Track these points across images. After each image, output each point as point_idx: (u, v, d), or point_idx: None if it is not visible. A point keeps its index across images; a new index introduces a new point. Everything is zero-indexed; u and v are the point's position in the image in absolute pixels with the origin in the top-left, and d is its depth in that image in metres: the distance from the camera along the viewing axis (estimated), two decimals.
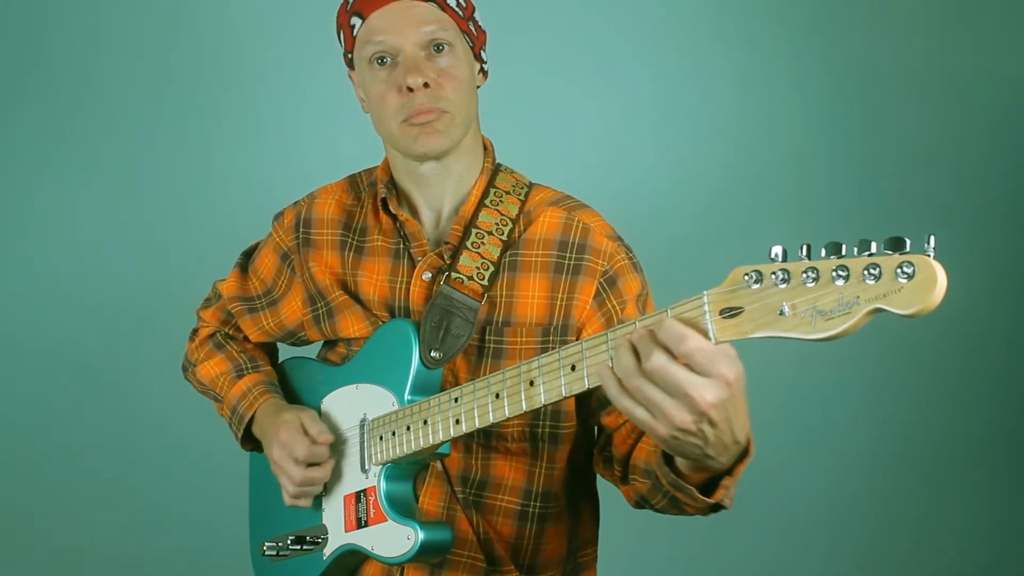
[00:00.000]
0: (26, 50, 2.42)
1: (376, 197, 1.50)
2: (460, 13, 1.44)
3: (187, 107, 2.52)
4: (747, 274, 1.01)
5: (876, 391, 2.78)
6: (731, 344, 1.03)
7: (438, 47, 1.39)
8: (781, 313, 0.98)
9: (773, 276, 0.99)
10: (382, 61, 1.39)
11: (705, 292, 1.03)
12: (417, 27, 1.38)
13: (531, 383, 1.19)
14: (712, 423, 1.02)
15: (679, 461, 1.14)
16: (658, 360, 1.00)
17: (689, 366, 1.00)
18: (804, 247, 0.99)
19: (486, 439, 1.42)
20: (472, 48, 1.46)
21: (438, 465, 1.42)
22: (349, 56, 1.47)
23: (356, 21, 1.41)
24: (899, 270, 0.92)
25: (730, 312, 1.02)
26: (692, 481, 1.16)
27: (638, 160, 2.72)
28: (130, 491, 2.50)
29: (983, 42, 2.79)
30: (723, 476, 1.13)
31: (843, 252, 0.97)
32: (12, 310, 2.47)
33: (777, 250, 1.01)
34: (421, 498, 1.41)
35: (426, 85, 1.37)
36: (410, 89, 1.37)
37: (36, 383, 2.49)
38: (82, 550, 2.47)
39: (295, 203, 1.59)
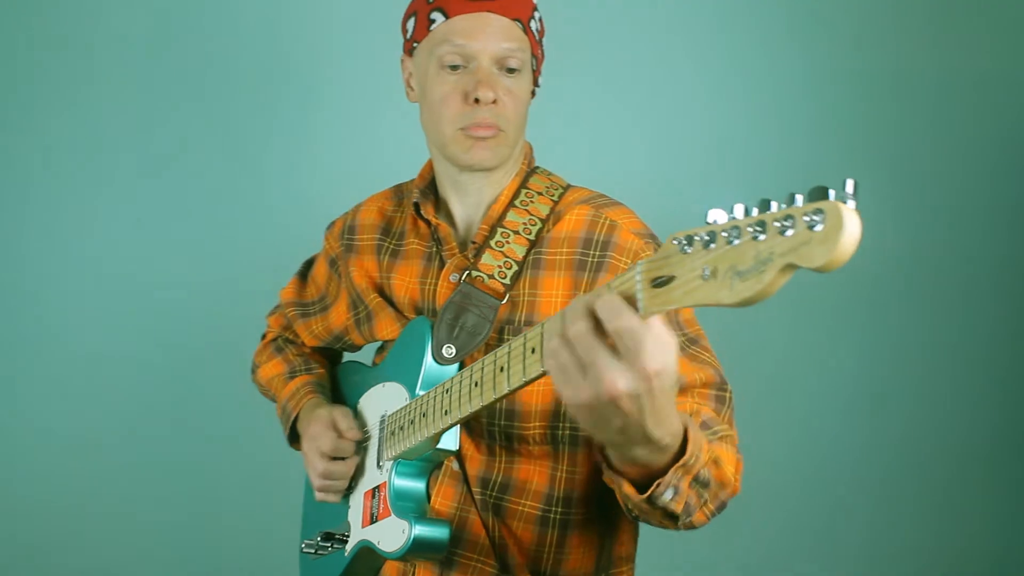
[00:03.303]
0: (99, 58, 2.52)
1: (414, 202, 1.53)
2: (536, 36, 1.46)
3: (273, 113, 2.58)
4: (677, 239, 0.93)
5: (876, 390, 2.67)
6: (671, 336, 0.97)
7: (510, 68, 1.40)
8: (703, 277, 0.90)
9: (698, 239, 0.91)
10: (455, 67, 1.41)
11: (639, 262, 0.96)
12: (497, 41, 1.39)
13: (501, 369, 1.15)
14: (620, 410, 0.95)
15: (613, 457, 1.09)
16: (578, 328, 0.95)
17: (614, 346, 0.94)
18: (739, 207, 0.90)
19: (508, 441, 1.39)
20: (534, 71, 1.47)
21: (454, 465, 1.40)
22: (414, 45, 1.47)
23: (438, 17, 1.42)
24: (807, 218, 0.82)
25: (662, 281, 0.95)
26: (626, 473, 1.09)
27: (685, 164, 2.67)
28: (207, 494, 2.56)
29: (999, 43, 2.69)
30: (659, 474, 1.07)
31: (771, 209, 0.88)
32: (80, 318, 2.53)
33: (715, 214, 0.93)
34: (434, 498, 1.39)
35: (494, 101, 1.39)
36: (477, 100, 1.39)
37: (107, 391, 2.54)
38: (160, 549, 2.53)
39: (344, 213, 1.65)
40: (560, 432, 1.38)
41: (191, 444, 2.54)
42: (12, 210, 2.52)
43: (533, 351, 1.10)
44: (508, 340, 1.18)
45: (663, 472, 1.08)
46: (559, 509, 1.39)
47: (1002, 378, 2.74)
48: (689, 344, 1.37)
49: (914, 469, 2.70)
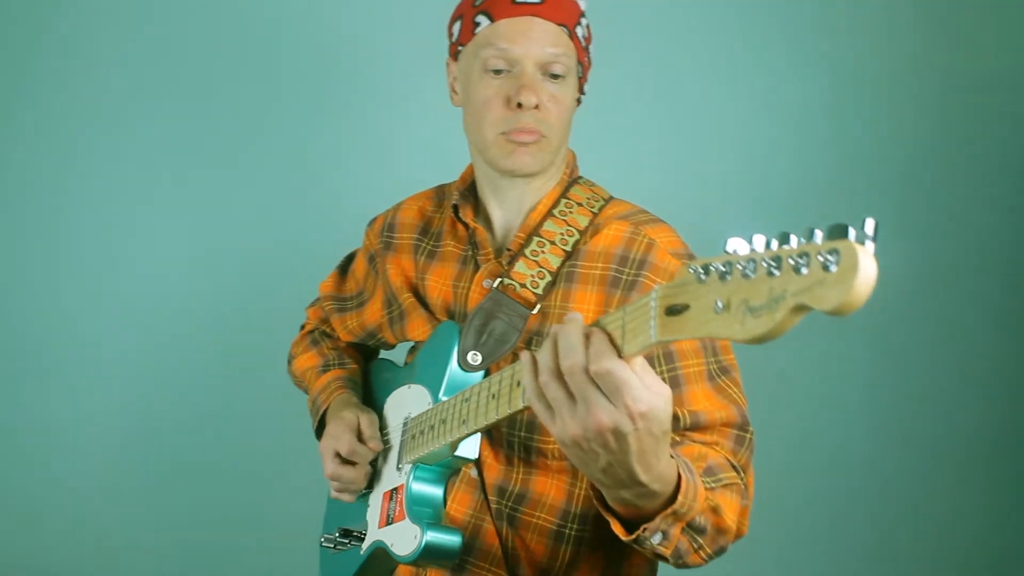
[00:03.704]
0: (139, 56, 2.52)
1: (453, 203, 1.52)
2: (583, 43, 1.44)
3: (312, 113, 2.57)
4: (693, 267, 0.91)
5: (875, 388, 2.62)
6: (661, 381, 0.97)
7: (554, 74, 1.38)
8: (715, 310, 0.87)
9: (714, 269, 0.88)
10: (498, 71, 1.39)
11: (655, 288, 0.94)
12: (542, 46, 1.38)
13: (518, 383, 1.14)
14: (606, 447, 0.94)
15: (603, 492, 1.07)
16: (573, 363, 0.94)
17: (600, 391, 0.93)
18: (759, 238, 0.87)
19: (526, 453, 1.37)
20: (580, 78, 1.45)
21: (472, 472, 1.39)
22: (459, 48, 1.46)
23: (483, 20, 1.41)
24: (822, 258, 0.78)
25: (677, 309, 0.92)
26: (617, 512, 1.08)
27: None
28: (239, 486, 2.56)
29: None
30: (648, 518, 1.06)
31: (790, 244, 0.84)
32: (121, 315, 2.53)
33: (734, 243, 0.90)
34: (449, 503, 1.39)
35: (537, 107, 1.37)
36: (519, 105, 1.37)
37: (146, 386, 2.55)
38: (176, 544, 2.54)
39: (385, 211, 1.64)
40: None
41: (213, 441, 2.55)
42: (41, 209, 2.53)
43: None
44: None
45: (652, 517, 1.06)
46: (575, 526, 1.37)
47: (1003, 379, 2.67)
48: (720, 374, 1.34)
49: (915, 472, 2.66)
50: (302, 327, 1.80)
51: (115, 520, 2.51)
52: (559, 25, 1.39)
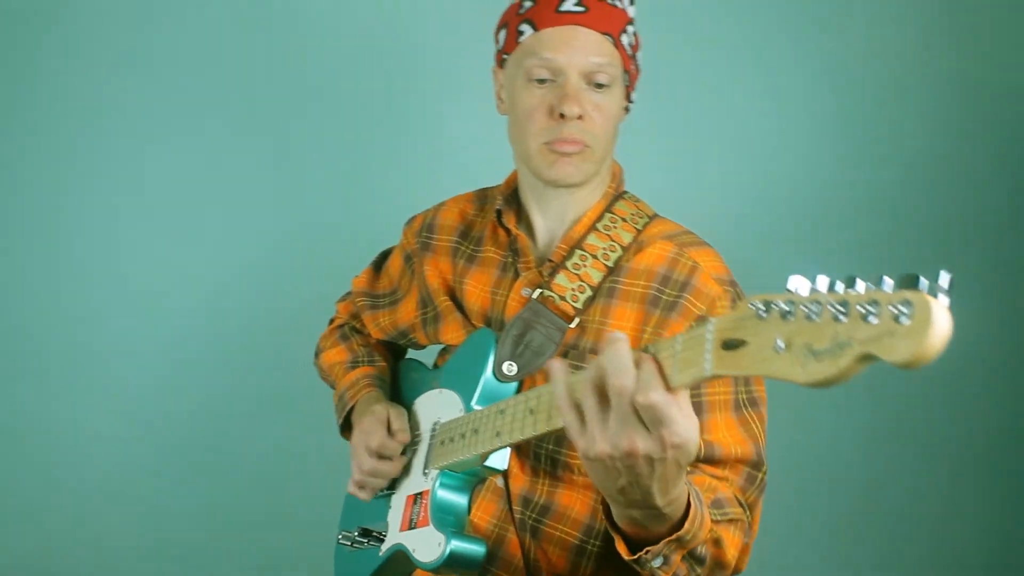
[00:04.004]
0: (178, 54, 2.49)
1: (496, 209, 1.51)
2: (629, 51, 1.42)
3: (344, 110, 2.54)
4: (753, 303, 0.90)
5: (873, 388, 2.47)
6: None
7: (599, 84, 1.37)
8: (776, 349, 0.86)
9: (776, 307, 0.87)
10: (542, 80, 1.38)
11: (712, 319, 0.93)
12: (586, 55, 1.36)
13: None
14: (630, 470, 0.95)
15: (612, 507, 1.08)
16: (623, 384, 0.93)
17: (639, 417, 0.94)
18: (823, 280, 0.86)
19: (552, 467, 1.36)
20: (627, 86, 1.43)
21: (498, 481, 1.38)
22: (504, 57, 1.45)
23: (526, 29, 1.40)
24: (894, 309, 0.77)
25: (734, 344, 0.91)
26: (623, 529, 1.09)
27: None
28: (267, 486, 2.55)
29: None
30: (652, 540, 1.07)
31: (857, 288, 0.83)
32: (157, 312, 2.52)
33: (795, 281, 0.89)
34: (474, 512, 1.38)
35: (580, 117, 1.36)
36: (562, 116, 1.36)
37: (153, 387, 2.53)
38: (209, 540, 2.53)
39: (426, 210, 1.63)
40: None
41: (222, 441, 2.53)
42: (69, 210, 2.50)
43: None
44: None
45: (656, 540, 1.07)
46: (597, 542, 1.36)
47: (1002, 379, 2.67)
48: (748, 405, 1.34)
49: (912, 471, 2.65)
50: (331, 321, 1.79)
51: (120, 521, 2.51)
52: (603, 34, 1.37)
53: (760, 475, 1.33)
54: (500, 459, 1.31)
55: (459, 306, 1.50)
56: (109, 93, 2.48)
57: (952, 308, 0.75)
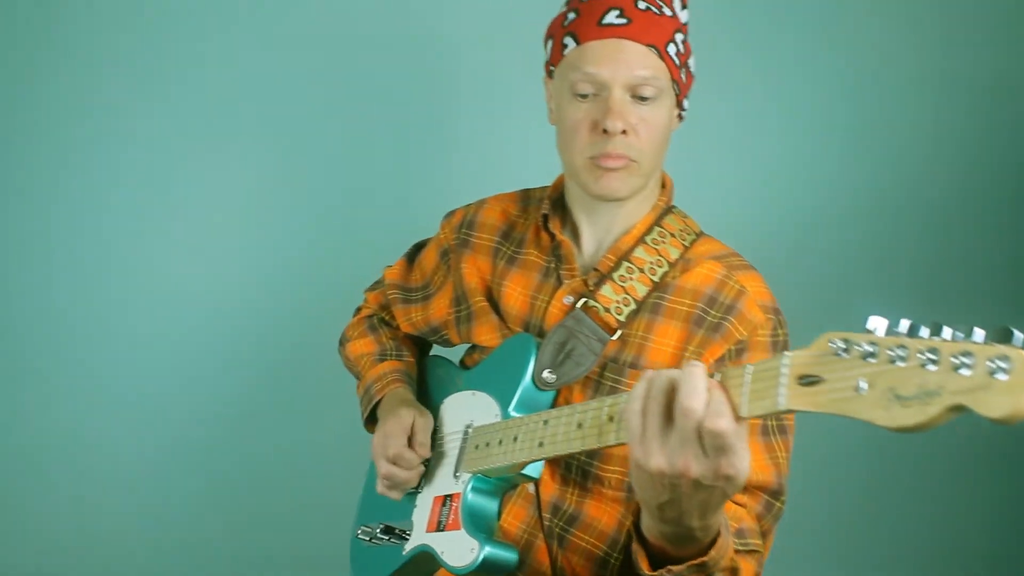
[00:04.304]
0: (208, 51, 2.44)
1: (540, 213, 1.49)
2: (676, 61, 1.38)
3: (388, 103, 2.49)
4: (833, 341, 0.90)
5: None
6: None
7: (644, 96, 1.34)
8: (857, 390, 0.86)
9: (858, 347, 0.87)
10: (585, 95, 1.36)
11: (787, 353, 0.93)
12: (630, 69, 1.33)
13: (611, 418, 1.13)
14: (675, 488, 0.96)
15: (644, 518, 1.08)
16: (693, 404, 0.93)
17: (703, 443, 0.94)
18: (905, 323, 0.86)
19: (583, 478, 1.36)
20: (677, 95, 1.40)
21: (529, 488, 1.38)
22: (551, 68, 1.44)
23: (570, 41, 1.38)
24: (991, 363, 0.77)
25: (809, 380, 0.91)
26: (649, 542, 1.09)
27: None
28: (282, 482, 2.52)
29: None
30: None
31: (945, 336, 0.83)
32: (161, 314, 2.48)
33: (875, 321, 0.89)
34: (504, 517, 1.38)
35: (624, 132, 1.34)
36: (606, 131, 1.34)
37: (209, 377, 2.50)
38: (216, 540, 2.50)
39: (466, 205, 1.61)
40: None
41: (234, 443, 2.50)
42: (73, 211, 2.45)
43: None
44: (623, 391, 1.15)
45: (679, 560, 1.07)
46: (622, 556, 1.36)
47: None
48: (776, 432, 1.34)
49: (913, 470, 2.64)
50: (358, 310, 1.77)
51: (120, 522, 2.48)
52: (648, 46, 1.34)
53: (778, 504, 1.33)
54: (535, 467, 1.31)
55: (495, 308, 1.48)
56: (115, 93, 2.44)
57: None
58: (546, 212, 1.47)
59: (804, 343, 0.95)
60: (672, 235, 1.42)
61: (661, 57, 1.35)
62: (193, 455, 2.47)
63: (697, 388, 0.94)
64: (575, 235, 1.46)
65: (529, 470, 1.31)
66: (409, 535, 1.45)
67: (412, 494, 1.48)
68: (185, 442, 2.47)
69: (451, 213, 1.63)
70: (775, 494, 1.32)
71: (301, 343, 2.41)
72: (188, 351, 2.47)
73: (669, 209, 1.46)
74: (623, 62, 1.33)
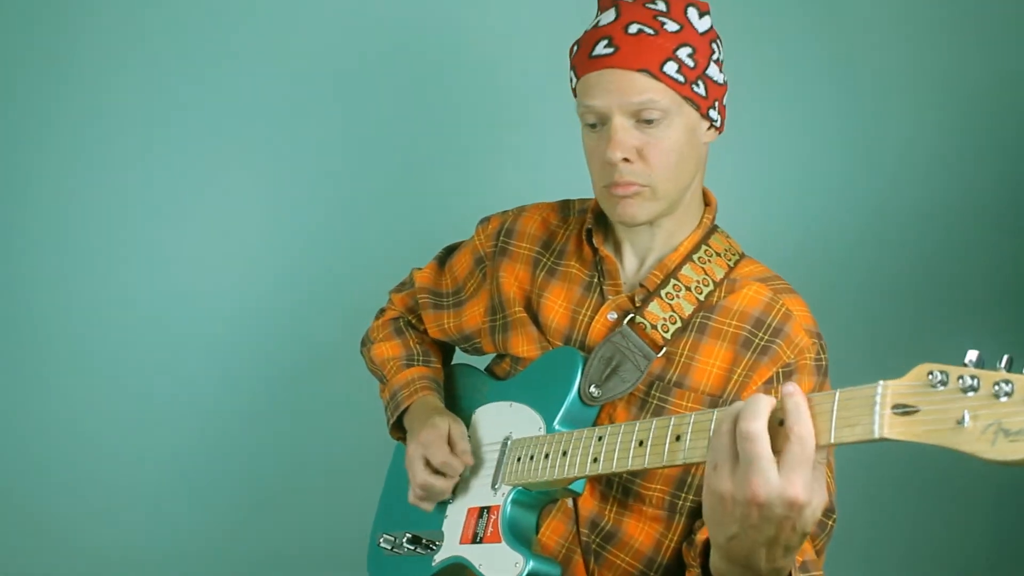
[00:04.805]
0: (250, 52, 2.41)
1: (583, 225, 1.49)
2: (680, 78, 1.32)
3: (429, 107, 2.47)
4: (932, 372, 0.91)
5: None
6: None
7: (648, 120, 1.32)
8: (960, 423, 0.87)
9: (960, 380, 0.88)
10: (593, 125, 1.36)
11: (882, 382, 0.94)
12: (624, 96, 1.31)
13: (677, 438, 1.12)
14: (747, 519, 0.93)
15: (713, 557, 1.05)
16: (755, 427, 0.92)
17: (778, 459, 0.92)
18: (1005, 358, 0.88)
19: (624, 495, 1.36)
20: (699, 109, 1.36)
21: (568, 503, 1.37)
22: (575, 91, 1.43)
23: (572, 76, 1.39)
24: None
25: (904, 409, 0.92)
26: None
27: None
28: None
29: None
30: None
31: None
32: (166, 316, 2.45)
33: (972, 355, 0.90)
34: (543, 531, 1.37)
35: (627, 159, 1.32)
36: (609, 161, 1.33)
37: (236, 368, 2.47)
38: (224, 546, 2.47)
39: (503, 212, 1.60)
40: (680, 502, 1.35)
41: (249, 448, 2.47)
42: (76, 211, 2.41)
43: None
44: (668, 411, 1.14)
45: None
46: None
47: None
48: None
49: (910, 469, 2.61)
50: (382, 311, 1.74)
51: (120, 523, 2.43)
52: (638, 71, 1.31)
53: (831, 523, 1.34)
54: (579, 482, 1.30)
55: (534, 319, 1.47)
56: (122, 92, 2.39)
57: None
58: (590, 226, 1.46)
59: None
60: (718, 254, 1.43)
61: (656, 78, 1.32)
62: (201, 456, 2.43)
63: (760, 409, 0.94)
64: (617, 250, 1.46)
65: (573, 485, 1.30)
66: (438, 546, 1.43)
67: (442, 504, 1.46)
68: (193, 443, 2.44)
69: (487, 219, 1.61)
70: (827, 512, 1.33)
71: (312, 344, 2.39)
72: (200, 352, 2.44)
73: (714, 228, 1.47)
74: (615, 91, 1.32)
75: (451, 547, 1.40)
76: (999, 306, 2.58)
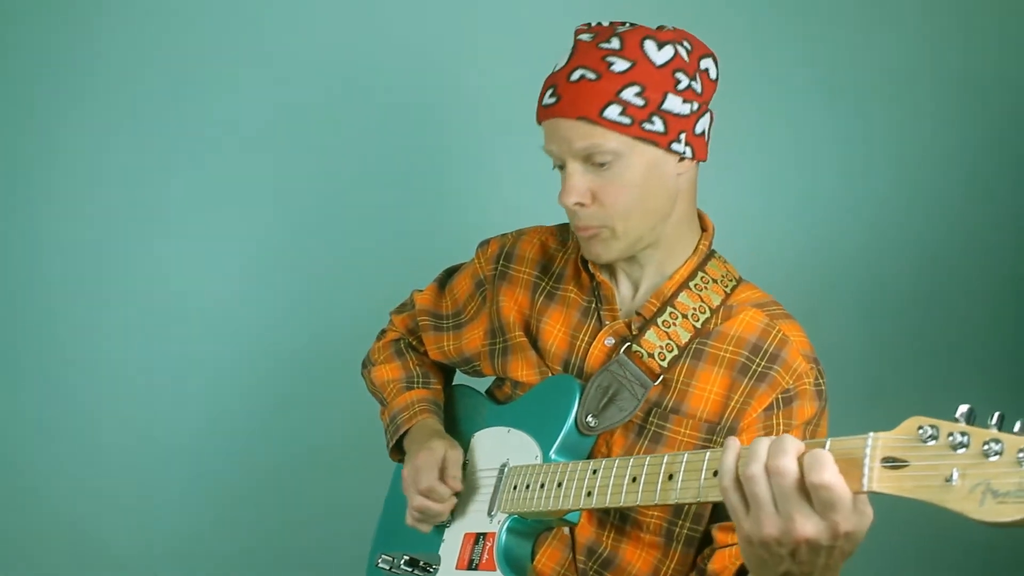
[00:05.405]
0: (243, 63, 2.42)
1: (580, 250, 1.48)
2: (626, 121, 1.28)
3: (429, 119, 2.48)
4: (922, 427, 0.90)
5: (875, 388, 2.52)
6: (870, 500, 0.96)
7: (601, 163, 1.30)
8: (948, 480, 0.87)
9: (950, 437, 0.88)
10: (559, 167, 1.36)
11: (871, 434, 0.94)
12: (570, 143, 1.30)
13: (670, 476, 1.12)
14: (794, 556, 0.94)
15: None
16: (786, 464, 0.94)
17: (808, 496, 0.93)
18: (995, 415, 0.88)
19: (622, 521, 1.36)
20: (657, 145, 1.31)
21: (564, 530, 1.37)
22: None
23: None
24: None
25: (893, 463, 0.92)
26: None
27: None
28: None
29: None
30: None
31: None
32: (165, 319, 2.47)
33: (963, 409, 0.90)
34: (539, 557, 1.37)
35: (580, 204, 1.32)
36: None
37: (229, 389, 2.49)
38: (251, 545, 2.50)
39: (503, 235, 1.59)
40: (678, 530, 1.35)
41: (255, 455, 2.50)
42: (76, 213, 2.43)
43: (715, 474, 1.07)
44: (666, 436, 1.15)
45: None
46: None
47: (1001, 378, 2.64)
48: None
49: None
50: (383, 332, 1.74)
51: (120, 524, 2.47)
52: (577, 119, 1.30)
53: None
54: (576, 512, 1.31)
55: (534, 343, 1.47)
56: (126, 96, 2.41)
57: None
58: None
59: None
60: (714, 281, 1.42)
61: (597, 124, 1.29)
62: (191, 460, 2.46)
63: (786, 448, 0.95)
64: (613, 276, 1.45)
65: (569, 515, 1.30)
66: (434, 569, 1.44)
67: (439, 527, 1.47)
68: (182, 447, 2.46)
69: (487, 242, 1.61)
70: None
71: (304, 348, 2.39)
72: (189, 358, 2.45)
73: (711, 254, 1.46)
74: (562, 139, 1.31)
75: (447, 571, 1.41)
76: (1000, 325, 2.58)
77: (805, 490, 0.93)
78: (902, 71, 2.53)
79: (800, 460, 0.95)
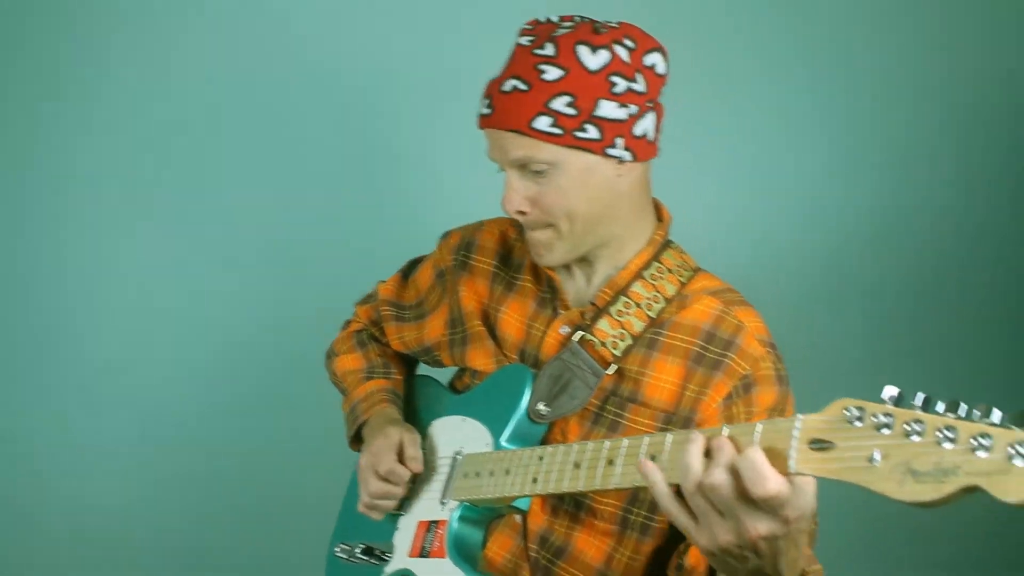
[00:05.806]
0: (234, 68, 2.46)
1: None
2: (557, 131, 1.28)
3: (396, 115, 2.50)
4: (848, 409, 0.90)
5: (873, 387, 2.50)
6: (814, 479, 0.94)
7: (536, 171, 1.31)
8: (871, 460, 0.87)
9: (874, 418, 0.88)
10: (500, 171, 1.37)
11: (800, 416, 0.93)
12: (505, 153, 1.32)
13: (610, 462, 1.12)
14: (757, 552, 0.95)
15: None
16: (720, 478, 0.94)
17: (756, 504, 0.93)
18: (920, 396, 0.87)
19: (576, 508, 1.36)
20: (593, 152, 1.30)
21: (516, 517, 1.37)
22: None
23: None
24: (1012, 449, 0.78)
25: (820, 445, 0.92)
26: None
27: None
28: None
29: None
30: None
31: (961, 413, 0.84)
32: (157, 318, 2.49)
33: (891, 392, 0.89)
34: (490, 546, 1.37)
35: (521, 212, 1.34)
36: None
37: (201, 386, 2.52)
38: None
39: (465, 226, 1.60)
40: (633, 517, 1.35)
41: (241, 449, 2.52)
42: (72, 214, 2.46)
43: (653, 459, 1.07)
44: (622, 438, 1.14)
45: None
46: None
47: (1002, 376, 2.66)
48: None
49: None
50: (347, 323, 1.75)
51: (119, 524, 2.49)
52: (507, 131, 1.30)
53: (814, 527, 1.32)
54: (525, 500, 1.31)
55: (492, 333, 1.47)
56: (119, 97, 2.43)
57: None
58: None
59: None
60: (669, 271, 1.41)
61: (527, 135, 1.29)
62: (187, 460, 2.48)
63: (692, 464, 0.96)
64: (566, 267, 1.45)
65: (518, 502, 1.30)
66: (389, 557, 1.44)
67: (394, 516, 1.47)
68: (179, 447, 2.49)
69: (448, 233, 1.61)
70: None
71: (300, 348, 2.41)
72: (181, 357, 2.48)
73: (667, 244, 1.45)
74: (499, 148, 1.33)
75: (401, 559, 1.41)
76: (985, 317, 2.57)
77: (747, 496, 0.94)
78: (901, 71, 2.54)
79: (734, 468, 0.95)
